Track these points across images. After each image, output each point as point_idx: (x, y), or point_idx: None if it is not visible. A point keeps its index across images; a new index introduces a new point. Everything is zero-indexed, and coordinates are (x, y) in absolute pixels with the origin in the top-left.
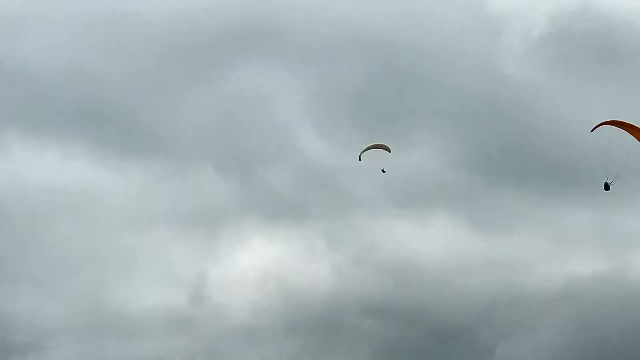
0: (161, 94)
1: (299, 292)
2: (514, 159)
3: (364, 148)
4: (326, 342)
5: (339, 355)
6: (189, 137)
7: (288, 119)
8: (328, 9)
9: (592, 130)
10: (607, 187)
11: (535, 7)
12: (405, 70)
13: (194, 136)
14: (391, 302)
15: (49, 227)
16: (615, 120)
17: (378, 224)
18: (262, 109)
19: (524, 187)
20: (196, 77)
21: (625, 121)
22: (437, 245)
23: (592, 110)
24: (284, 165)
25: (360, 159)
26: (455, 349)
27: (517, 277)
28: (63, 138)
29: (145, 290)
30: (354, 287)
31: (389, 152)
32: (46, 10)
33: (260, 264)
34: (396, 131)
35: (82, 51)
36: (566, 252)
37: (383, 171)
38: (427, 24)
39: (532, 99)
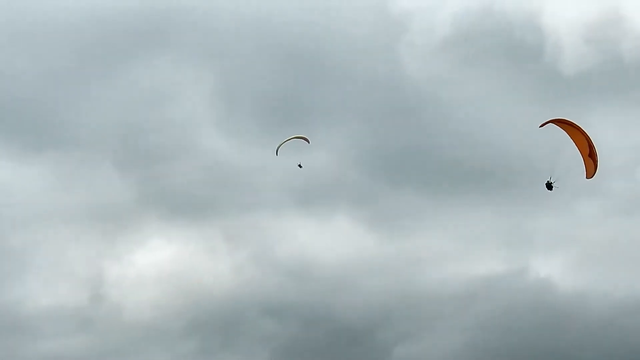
0: (60, 89)
1: (198, 292)
2: (417, 159)
3: (281, 142)
4: (226, 342)
5: (238, 355)
6: (88, 134)
7: (190, 116)
8: (231, 4)
9: (541, 126)
10: (549, 186)
11: (439, 7)
12: (308, 67)
13: (93, 133)
14: (291, 303)
15: None
16: (563, 120)
17: (279, 223)
18: (163, 106)
19: (427, 187)
20: (97, 73)
21: (573, 122)
22: (339, 245)
23: (494, 109)
24: (185, 162)
25: (277, 154)
26: (354, 350)
27: (418, 278)
28: None
29: (42, 289)
30: (254, 287)
31: (308, 142)
32: None
33: (159, 263)
34: (299, 129)
35: None
36: (468, 253)
37: (300, 166)
38: (331, 21)
39: (435, 99)
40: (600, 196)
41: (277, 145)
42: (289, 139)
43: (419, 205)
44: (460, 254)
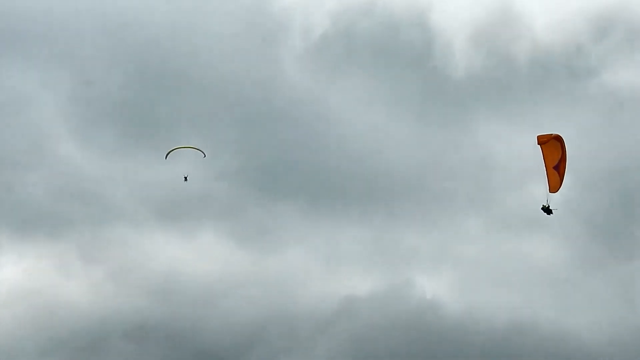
0: None
1: (53, 312)
2: (288, 171)
3: (173, 148)
4: None
5: None
6: None
7: (42, 124)
8: (86, 8)
9: (540, 143)
10: (548, 211)
11: (318, 5)
12: (171, 71)
13: None
14: (155, 324)
15: None
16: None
17: (139, 238)
18: (14, 114)
19: (299, 201)
20: None
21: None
22: (204, 262)
23: (377, 116)
24: (37, 173)
25: (166, 158)
26: None
27: (290, 296)
28: None
29: None
30: (114, 306)
31: (204, 155)
32: None
33: (10, 281)
34: (159, 138)
35: None
36: (342, 271)
37: (185, 179)
38: (199, 21)
39: (312, 104)
40: (487, 211)
41: (169, 150)
42: (183, 147)
43: (292, 219)
44: (334, 271)
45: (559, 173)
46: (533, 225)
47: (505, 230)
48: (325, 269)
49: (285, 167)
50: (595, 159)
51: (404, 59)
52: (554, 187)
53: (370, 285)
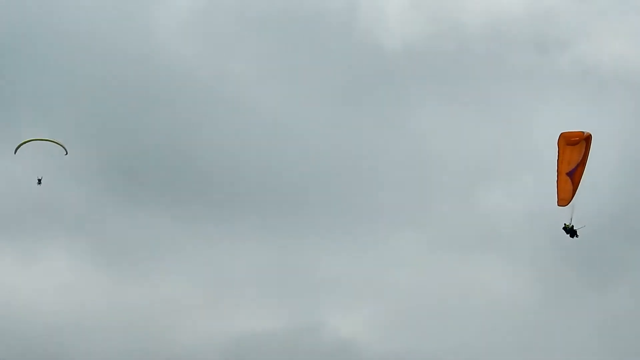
0: None
1: None
2: (165, 171)
3: (24, 140)
4: None
5: None
6: None
7: None
8: None
9: (570, 144)
10: (573, 233)
11: None
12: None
13: None
14: None
15: None
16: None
17: None
18: None
19: (177, 210)
20: None
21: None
22: (50, 288)
23: (280, 97)
24: None
25: (15, 152)
26: None
27: (164, 335)
28: None
29: None
30: None
31: (66, 152)
32: None
33: None
34: None
35: None
36: (233, 303)
37: (39, 182)
38: None
39: (196, 83)
40: (425, 225)
41: (19, 143)
42: (38, 140)
43: (168, 234)
44: (225, 302)
45: (572, 181)
46: (485, 244)
47: (448, 251)
48: (211, 299)
49: (160, 166)
50: None
51: (322, 25)
52: (564, 198)
53: (270, 321)
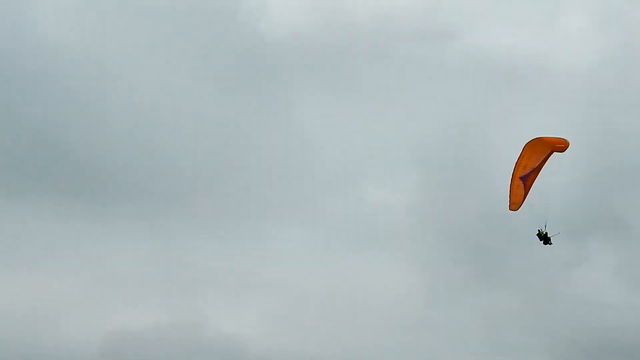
0: None
1: None
2: (33, 159)
3: None
4: None
5: None
6: None
7: None
8: None
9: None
10: (546, 239)
11: None
12: None
13: None
14: None
15: None
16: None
17: None
18: None
19: (47, 201)
20: None
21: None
22: None
23: (158, 84)
24: None
25: None
26: None
27: (44, 327)
28: None
29: None
30: None
31: None
32: None
33: None
34: None
35: None
36: (109, 298)
37: None
38: None
39: (70, 68)
40: (308, 221)
41: None
42: None
43: (37, 224)
44: (100, 297)
45: (525, 186)
46: (370, 238)
47: (333, 246)
48: (91, 295)
49: (39, 161)
50: (460, 148)
51: (204, 13)
52: (515, 202)
53: (152, 316)
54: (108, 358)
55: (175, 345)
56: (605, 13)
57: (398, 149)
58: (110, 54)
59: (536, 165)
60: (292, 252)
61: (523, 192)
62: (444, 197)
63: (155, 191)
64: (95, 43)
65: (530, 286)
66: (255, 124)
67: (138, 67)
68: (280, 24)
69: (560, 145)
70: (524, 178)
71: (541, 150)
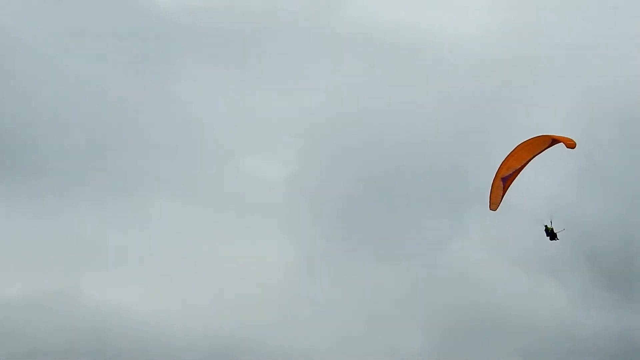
0: None
1: None
2: None
3: None
4: None
5: None
6: None
7: None
8: None
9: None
10: (553, 235)
11: None
12: None
13: None
14: None
15: None
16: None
17: None
18: None
19: None
20: None
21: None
22: None
23: (36, 51)
24: None
25: None
26: None
27: None
28: None
29: None
30: None
31: None
32: None
33: None
34: None
35: None
36: None
37: None
38: None
39: None
40: (186, 192)
41: None
42: None
43: None
44: None
45: (504, 187)
46: (251, 211)
47: (208, 219)
48: None
49: None
50: (341, 121)
51: None
52: (495, 203)
53: (28, 286)
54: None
55: (52, 313)
56: None
57: (278, 122)
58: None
59: (520, 166)
60: (173, 224)
61: (502, 193)
62: (321, 171)
63: (42, 164)
64: None
65: (406, 258)
66: (141, 98)
67: (24, 42)
68: None
69: (570, 142)
70: (505, 179)
71: (533, 151)
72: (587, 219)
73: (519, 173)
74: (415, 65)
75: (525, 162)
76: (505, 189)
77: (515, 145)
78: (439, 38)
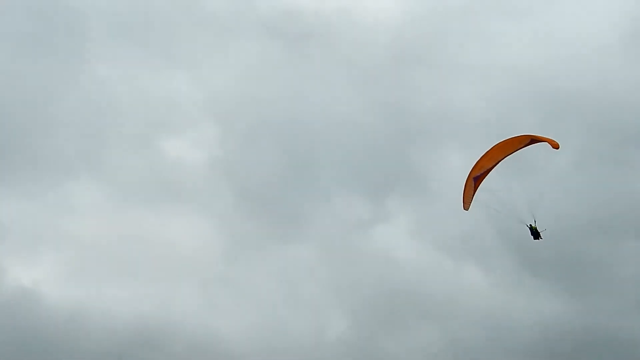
0: None
1: None
2: None
3: None
4: None
5: None
6: None
7: None
8: None
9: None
10: (536, 234)
11: None
12: None
13: None
14: None
15: None
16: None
17: None
18: None
19: None
20: None
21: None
22: None
23: None
24: None
25: None
26: None
27: None
28: None
29: None
30: None
31: None
32: None
33: None
34: None
35: None
36: None
37: None
38: None
39: None
40: (105, 174)
41: None
42: None
43: None
44: None
45: (475, 186)
46: (168, 193)
47: (128, 202)
48: None
49: None
50: (261, 104)
51: None
52: (467, 202)
53: None
54: None
55: None
56: None
57: (196, 105)
58: None
59: (491, 166)
60: (91, 206)
61: (473, 192)
62: (242, 153)
63: None
64: None
65: (328, 242)
66: (58, 80)
67: None
68: None
69: (554, 143)
70: (476, 178)
71: (508, 150)
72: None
73: (489, 172)
74: (330, 46)
75: (497, 161)
76: (475, 188)
77: (492, 145)
78: (353, 20)
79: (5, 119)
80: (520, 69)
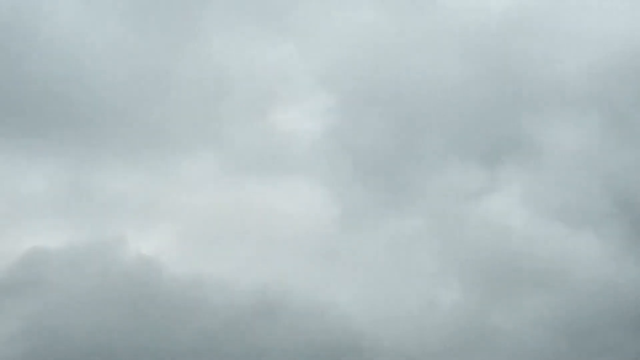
0: None
1: None
2: None
3: None
4: None
5: None
6: None
7: None
8: None
9: None
10: None
11: None
12: None
13: None
14: None
15: None
16: None
17: None
18: None
19: None
20: None
21: None
22: None
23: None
24: None
25: None
26: None
27: None
28: None
29: None
30: None
31: None
32: None
33: None
34: None
35: None
36: (26, 218)
37: None
38: None
39: None
40: (218, 147)
41: None
42: None
43: None
44: (18, 217)
45: None
46: (282, 166)
47: (243, 174)
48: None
49: None
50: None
51: None
52: None
53: (63, 237)
54: (26, 279)
55: (92, 265)
56: None
57: (310, 75)
58: None
59: None
60: (204, 179)
61: None
62: (354, 123)
63: (76, 119)
64: None
65: (440, 213)
66: (162, 51)
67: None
68: None
69: None
70: None
71: None
72: (619, 170)
73: None
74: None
75: None
76: None
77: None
78: None
79: (120, 94)
80: (638, 40)
